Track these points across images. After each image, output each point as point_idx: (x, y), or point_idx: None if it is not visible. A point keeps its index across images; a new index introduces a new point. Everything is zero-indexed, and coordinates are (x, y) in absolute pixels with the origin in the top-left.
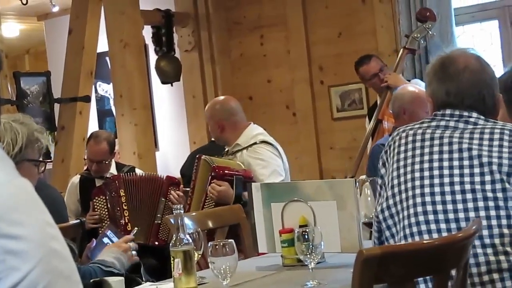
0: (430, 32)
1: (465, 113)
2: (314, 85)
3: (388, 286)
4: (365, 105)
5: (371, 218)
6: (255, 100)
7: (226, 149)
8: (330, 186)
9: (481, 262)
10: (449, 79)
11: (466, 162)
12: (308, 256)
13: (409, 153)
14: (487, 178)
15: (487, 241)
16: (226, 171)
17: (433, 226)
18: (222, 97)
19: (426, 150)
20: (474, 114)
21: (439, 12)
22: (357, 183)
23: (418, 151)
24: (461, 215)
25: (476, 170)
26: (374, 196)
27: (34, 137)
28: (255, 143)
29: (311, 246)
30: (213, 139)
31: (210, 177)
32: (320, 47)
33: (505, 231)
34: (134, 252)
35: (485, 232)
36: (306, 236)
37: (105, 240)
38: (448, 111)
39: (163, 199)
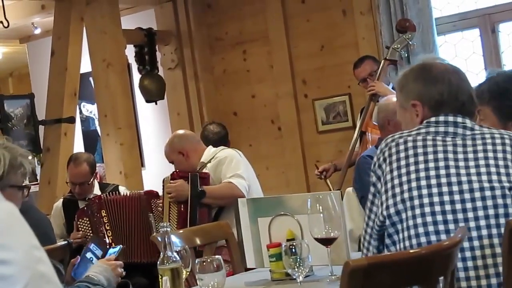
0: (411, 42)
1: (459, 119)
2: (298, 99)
3: None
4: (349, 117)
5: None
6: (240, 116)
7: None
8: (317, 199)
9: (490, 267)
10: (436, 81)
11: (473, 170)
12: (296, 269)
13: (411, 160)
14: (496, 184)
15: (498, 250)
16: (181, 172)
17: (441, 227)
18: (176, 133)
19: (430, 157)
20: (467, 120)
21: (420, 22)
22: (344, 195)
23: (421, 158)
24: (472, 224)
25: (484, 178)
26: (362, 208)
27: (17, 162)
28: (216, 153)
29: (298, 260)
30: None
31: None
32: (303, 61)
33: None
34: (120, 279)
35: (495, 241)
36: (294, 250)
37: (89, 255)
38: (441, 118)
39: (150, 214)
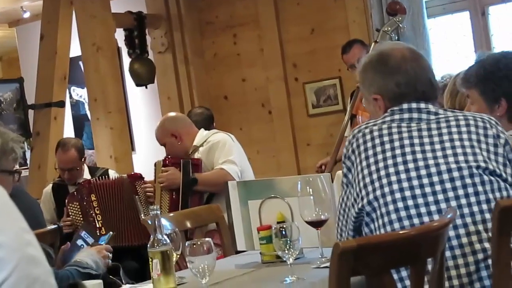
0: (401, 25)
1: (422, 105)
2: (289, 83)
3: (365, 278)
4: (340, 100)
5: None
6: (231, 100)
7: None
8: (307, 181)
9: (465, 246)
10: (394, 72)
11: (439, 153)
12: (287, 252)
13: (378, 149)
14: (463, 164)
15: (472, 228)
16: (174, 159)
17: (413, 211)
18: (167, 115)
19: (396, 144)
20: (430, 106)
21: (411, 5)
22: (334, 178)
23: (387, 146)
24: (443, 205)
25: (451, 159)
26: None
27: (9, 147)
28: (208, 137)
29: (289, 242)
30: None
31: (162, 167)
32: (293, 44)
33: (487, 216)
34: (109, 261)
35: (468, 220)
36: (284, 232)
37: (79, 242)
38: (405, 106)
39: (136, 197)
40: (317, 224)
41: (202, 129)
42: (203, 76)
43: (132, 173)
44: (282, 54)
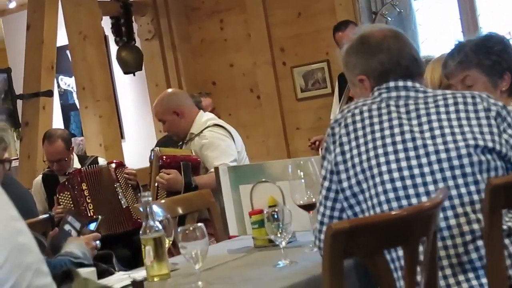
0: (398, 10)
1: (409, 83)
2: (277, 67)
3: (358, 259)
4: (328, 84)
5: None
6: (219, 85)
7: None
8: (298, 165)
9: (454, 228)
10: (376, 51)
11: (427, 134)
12: (279, 235)
13: (368, 130)
14: (451, 145)
15: (460, 210)
16: (172, 159)
17: (401, 193)
18: (167, 91)
19: (386, 124)
20: (417, 84)
21: None
22: None
23: (377, 127)
24: (431, 187)
25: (439, 140)
26: None
27: None
28: (206, 128)
29: (281, 226)
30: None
31: (159, 167)
32: (280, 28)
33: (475, 197)
34: (95, 252)
35: (456, 201)
36: (276, 216)
37: (67, 227)
38: (391, 84)
39: (116, 184)
40: (308, 207)
41: (201, 112)
42: (190, 62)
43: (115, 160)
44: (269, 38)
